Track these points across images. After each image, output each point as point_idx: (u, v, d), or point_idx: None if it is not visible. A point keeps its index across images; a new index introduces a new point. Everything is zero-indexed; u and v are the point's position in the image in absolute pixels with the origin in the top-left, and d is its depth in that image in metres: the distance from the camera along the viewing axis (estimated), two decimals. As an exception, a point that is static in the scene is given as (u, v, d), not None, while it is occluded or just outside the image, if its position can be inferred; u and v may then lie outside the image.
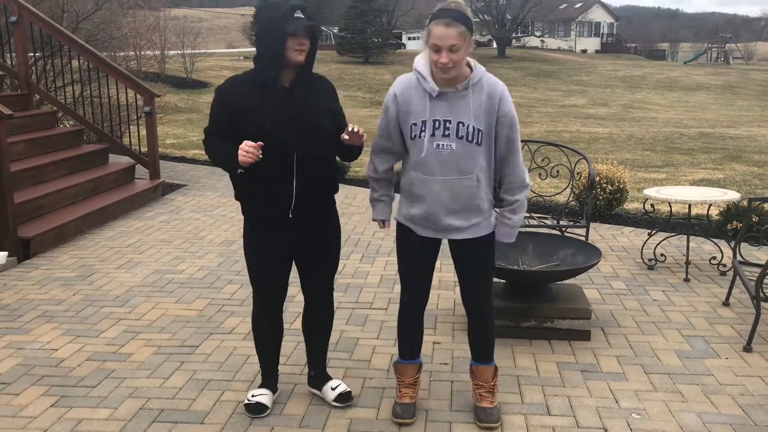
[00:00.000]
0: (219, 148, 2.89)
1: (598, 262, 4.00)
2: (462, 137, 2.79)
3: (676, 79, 39.88)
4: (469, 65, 2.82)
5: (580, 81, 38.50)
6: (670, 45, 70.02)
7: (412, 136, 2.86)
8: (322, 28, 58.21)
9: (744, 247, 5.32)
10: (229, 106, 2.86)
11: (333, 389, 3.25)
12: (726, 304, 4.46)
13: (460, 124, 2.79)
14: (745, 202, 5.74)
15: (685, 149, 13.63)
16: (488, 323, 3.11)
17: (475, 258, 3.01)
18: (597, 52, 61.88)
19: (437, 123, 2.81)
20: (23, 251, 5.51)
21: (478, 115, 2.79)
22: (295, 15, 2.75)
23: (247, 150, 2.72)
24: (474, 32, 2.78)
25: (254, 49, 2.95)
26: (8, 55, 8.16)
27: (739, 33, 75.57)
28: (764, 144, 14.69)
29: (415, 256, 3.05)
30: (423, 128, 2.82)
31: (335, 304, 4.51)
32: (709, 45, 61.33)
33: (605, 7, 68.85)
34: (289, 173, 2.89)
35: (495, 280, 3.82)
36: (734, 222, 5.86)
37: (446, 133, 2.80)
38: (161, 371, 3.60)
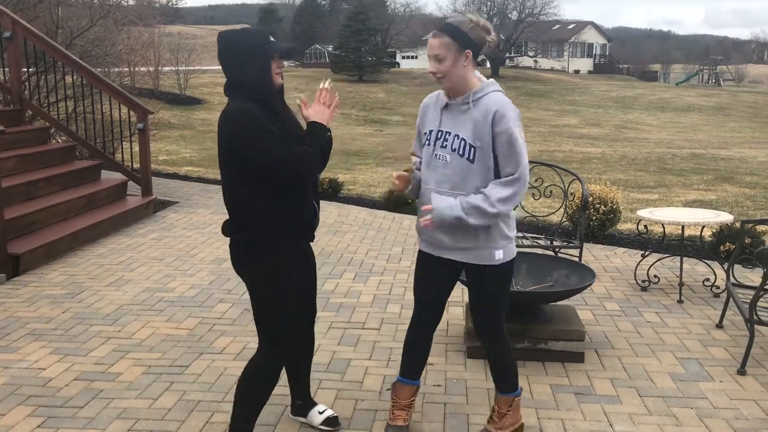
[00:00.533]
0: (305, 145, 2.70)
1: (591, 284, 3.99)
2: (455, 150, 2.81)
3: (668, 100, 40.19)
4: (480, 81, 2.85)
5: (573, 101, 38.76)
6: (662, 66, 70.64)
7: (422, 144, 2.98)
8: (317, 45, 58.57)
9: (737, 269, 5.31)
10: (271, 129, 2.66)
11: (320, 413, 3.20)
12: (720, 326, 4.44)
13: (456, 137, 2.81)
14: (737, 224, 5.75)
15: (678, 170, 13.69)
16: (498, 354, 3.05)
17: (478, 287, 2.95)
18: (590, 72, 62.38)
19: (440, 133, 2.87)
20: (12, 268, 5.45)
21: (472, 130, 2.78)
22: (271, 39, 2.77)
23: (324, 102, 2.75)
24: (479, 48, 2.78)
25: None
26: (1, 70, 8.14)
27: (729, 55, 76.34)
28: (756, 166, 14.77)
29: (420, 271, 3.07)
30: (429, 137, 2.90)
31: (328, 324, 4.49)
32: (701, 67, 61.92)
33: (598, 28, 69.55)
34: (309, 193, 2.85)
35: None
36: (727, 243, 5.86)
37: (444, 144, 2.84)
38: (150, 391, 3.55)
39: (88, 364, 3.87)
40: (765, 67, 78.91)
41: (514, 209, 2.87)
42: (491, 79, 2.88)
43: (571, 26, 64.75)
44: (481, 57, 2.89)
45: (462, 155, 2.79)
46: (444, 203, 2.78)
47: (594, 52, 67.57)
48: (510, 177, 2.75)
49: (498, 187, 2.74)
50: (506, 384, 3.06)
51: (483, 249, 2.83)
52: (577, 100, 39.43)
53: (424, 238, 2.95)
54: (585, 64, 64.49)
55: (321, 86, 2.83)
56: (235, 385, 2.89)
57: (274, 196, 2.72)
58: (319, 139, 2.74)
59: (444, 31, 2.75)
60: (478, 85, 2.82)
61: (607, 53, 69.12)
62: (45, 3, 9.89)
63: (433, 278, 3.02)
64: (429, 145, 2.90)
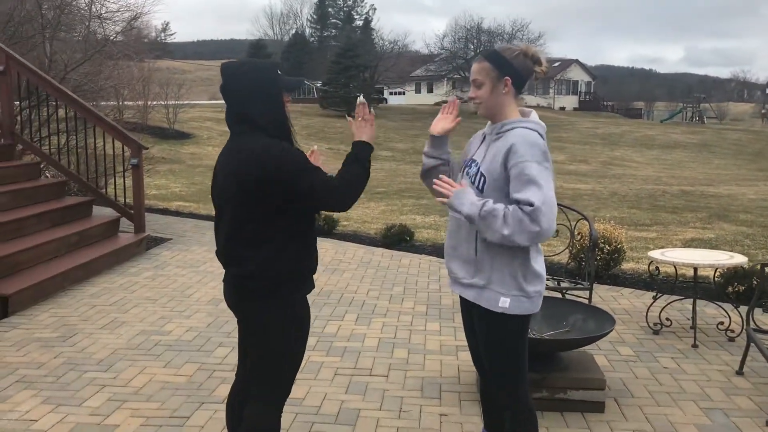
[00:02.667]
0: (353, 169, 2.62)
1: (612, 330, 3.84)
2: (471, 178, 2.68)
3: (654, 137, 40.64)
4: (523, 114, 2.71)
5: (560, 138, 39.06)
6: (646, 104, 71.59)
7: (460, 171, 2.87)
8: (305, 81, 58.92)
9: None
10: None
11: None
12: (740, 372, 4.30)
13: (475, 165, 2.70)
14: (746, 266, 5.65)
15: (671, 207, 13.67)
16: (512, 421, 2.77)
17: (482, 336, 2.73)
18: (575, 109, 63.07)
19: (469, 161, 2.77)
20: (1, 309, 5.23)
21: (489, 161, 2.63)
22: (279, 72, 2.64)
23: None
24: (523, 76, 2.67)
25: None
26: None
27: (710, 93, 77.57)
28: (747, 203, 14.80)
29: (462, 317, 2.96)
30: (462, 164, 2.81)
31: (333, 370, 4.30)
32: (684, 104, 62.78)
33: (583, 66, 70.47)
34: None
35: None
36: (736, 285, 5.75)
37: (467, 171, 2.73)
38: (150, 446, 3.34)
39: (83, 415, 3.65)
40: (746, 105, 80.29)
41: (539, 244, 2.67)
42: (533, 113, 2.72)
43: (556, 64, 65.57)
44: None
45: (473, 183, 2.66)
46: (466, 198, 2.56)
47: (579, 90, 68.35)
48: (530, 207, 2.46)
49: (519, 213, 2.47)
50: None
51: (489, 291, 2.63)
52: (564, 136, 39.76)
53: (448, 270, 2.81)
54: (570, 101, 65.23)
55: (357, 102, 2.74)
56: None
57: (290, 238, 2.57)
58: (364, 158, 2.65)
59: (484, 57, 2.68)
60: (514, 117, 2.68)
61: (592, 91, 69.97)
62: (38, 37, 9.77)
63: (467, 325, 2.90)
64: (459, 171, 2.82)
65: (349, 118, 2.76)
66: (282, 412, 2.71)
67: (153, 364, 4.38)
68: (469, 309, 2.81)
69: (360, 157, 2.64)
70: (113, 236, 7.47)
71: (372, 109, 2.73)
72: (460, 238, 2.71)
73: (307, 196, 2.51)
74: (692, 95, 64.72)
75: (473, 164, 2.72)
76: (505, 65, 2.64)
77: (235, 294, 2.65)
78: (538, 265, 2.66)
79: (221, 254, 2.65)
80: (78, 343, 4.74)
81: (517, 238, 2.47)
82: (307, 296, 2.69)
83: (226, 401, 2.85)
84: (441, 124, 2.81)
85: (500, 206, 2.50)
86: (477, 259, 2.63)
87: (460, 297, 2.84)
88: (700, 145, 38.24)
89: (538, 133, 2.61)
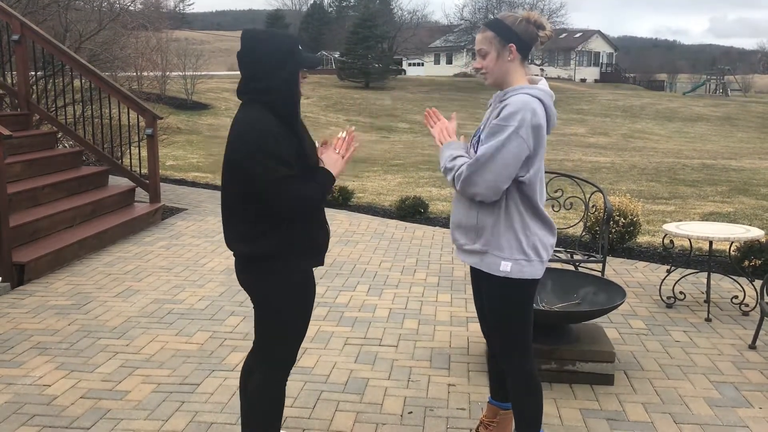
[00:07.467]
0: (313, 185, 2.54)
1: (622, 303, 3.81)
2: (473, 146, 2.69)
3: (676, 109, 40.00)
4: (532, 82, 2.66)
5: (580, 110, 38.62)
6: (669, 76, 70.33)
7: None
8: (323, 52, 58.58)
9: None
10: (285, 144, 2.48)
11: None
12: (752, 347, 4.26)
13: (478, 132, 2.71)
14: (762, 240, 5.57)
15: (690, 181, 13.50)
16: (515, 389, 2.77)
17: (487, 300, 2.73)
18: (596, 81, 62.16)
19: (478, 131, 2.74)
20: (17, 277, 5.30)
21: (486, 128, 2.62)
22: (299, 47, 2.57)
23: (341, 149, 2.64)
24: (527, 42, 2.61)
25: None
26: (9, 74, 8.01)
27: (735, 65, 75.89)
28: (769, 177, 14.55)
29: (472, 285, 2.95)
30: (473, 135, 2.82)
31: (343, 340, 4.32)
32: (708, 76, 61.64)
33: (605, 37, 69.29)
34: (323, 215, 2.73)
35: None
36: (753, 259, 5.68)
37: (473, 141, 2.74)
38: (160, 412, 3.38)
39: (95, 381, 3.70)
40: (772, 78, 78.57)
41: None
42: (543, 81, 2.67)
43: (578, 35, 64.56)
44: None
45: (476, 152, 2.63)
46: (446, 151, 2.74)
47: (600, 61, 67.27)
48: (473, 159, 2.56)
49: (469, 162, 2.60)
50: (522, 425, 2.77)
51: (491, 256, 2.63)
52: (585, 108, 39.28)
53: (452, 238, 2.82)
54: (591, 73, 64.29)
55: (339, 135, 2.68)
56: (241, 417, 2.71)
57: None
58: (325, 185, 2.58)
59: (487, 26, 2.64)
60: (519, 84, 2.62)
61: (614, 62, 68.85)
62: (54, 6, 9.76)
63: (475, 291, 2.91)
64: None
65: (320, 147, 2.68)
66: (286, 380, 2.73)
67: (165, 332, 4.43)
68: (477, 274, 2.81)
69: (321, 181, 2.56)
70: (129, 206, 7.52)
71: (353, 145, 2.68)
72: (462, 205, 2.72)
73: (263, 192, 2.44)
74: (716, 67, 63.42)
75: (478, 132, 2.71)
76: (508, 32, 2.59)
77: (237, 265, 2.68)
78: (541, 231, 2.65)
79: (224, 228, 2.65)
80: (92, 311, 4.79)
81: (453, 182, 2.64)
82: (319, 266, 2.69)
83: (241, 368, 2.88)
84: (444, 133, 2.80)
85: (461, 161, 2.65)
86: (477, 225, 2.64)
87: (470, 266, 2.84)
88: (723, 118, 37.57)
89: (540, 100, 2.56)
